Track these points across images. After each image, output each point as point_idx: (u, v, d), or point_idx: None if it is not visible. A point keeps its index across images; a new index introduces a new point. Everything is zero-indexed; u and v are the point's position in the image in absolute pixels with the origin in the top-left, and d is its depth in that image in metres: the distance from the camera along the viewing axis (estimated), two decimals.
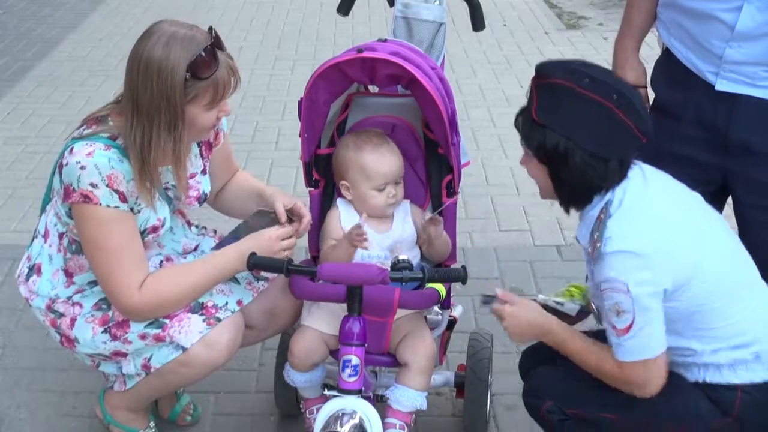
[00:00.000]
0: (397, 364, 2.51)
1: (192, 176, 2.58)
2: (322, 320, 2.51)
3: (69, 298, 2.49)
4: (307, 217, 2.53)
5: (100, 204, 2.30)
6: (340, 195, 2.62)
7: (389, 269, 2.24)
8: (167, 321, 2.41)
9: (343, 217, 2.55)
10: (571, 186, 2.16)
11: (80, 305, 2.48)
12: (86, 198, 2.29)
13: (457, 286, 2.70)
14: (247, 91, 5.70)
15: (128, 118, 2.31)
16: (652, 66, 2.73)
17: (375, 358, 2.48)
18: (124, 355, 2.48)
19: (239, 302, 2.53)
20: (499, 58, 6.48)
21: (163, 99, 2.27)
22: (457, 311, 2.85)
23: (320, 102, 2.52)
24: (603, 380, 2.21)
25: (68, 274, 2.50)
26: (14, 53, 6.70)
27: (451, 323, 2.76)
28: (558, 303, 2.45)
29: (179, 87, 2.26)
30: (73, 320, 2.48)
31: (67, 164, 2.30)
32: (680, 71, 2.51)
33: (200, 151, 2.64)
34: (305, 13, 7.60)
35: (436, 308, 2.62)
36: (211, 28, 2.37)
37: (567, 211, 2.27)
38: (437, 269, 2.51)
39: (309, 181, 2.67)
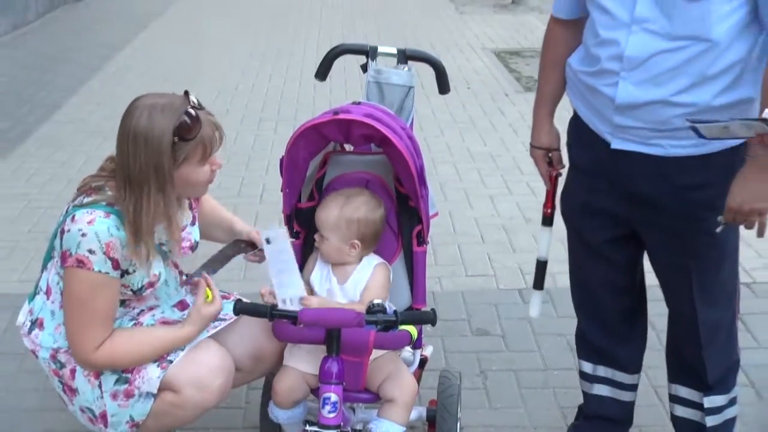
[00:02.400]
0: (374, 399, 2.50)
1: (183, 229, 2.57)
2: (303, 360, 2.49)
3: (66, 349, 2.47)
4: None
5: (93, 270, 2.30)
6: None
7: (365, 313, 2.24)
8: (130, 375, 2.43)
9: (315, 269, 2.59)
10: None
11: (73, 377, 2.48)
12: (80, 263, 2.29)
13: (427, 328, 2.70)
14: (233, 150, 5.72)
15: (121, 190, 2.31)
16: None
17: (353, 395, 2.45)
18: (106, 417, 2.47)
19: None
20: (464, 118, 6.52)
21: (152, 166, 2.27)
22: (428, 351, 2.84)
23: (300, 160, 2.53)
24: None
25: None
26: (18, 116, 6.69)
27: (423, 362, 2.75)
28: None
29: (167, 152, 2.27)
30: (73, 371, 2.46)
31: (68, 231, 2.29)
32: (586, 131, 2.54)
33: (189, 204, 2.63)
34: (286, 79, 7.65)
35: (408, 348, 2.61)
36: (186, 92, 2.37)
37: None
38: (409, 312, 2.51)
39: (291, 233, 2.67)
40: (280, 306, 2.36)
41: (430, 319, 2.29)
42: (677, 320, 2.70)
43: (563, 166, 2.78)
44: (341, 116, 2.43)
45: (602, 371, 2.84)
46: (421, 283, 2.62)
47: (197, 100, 2.37)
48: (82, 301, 2.35)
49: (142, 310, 2.54)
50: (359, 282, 2.52)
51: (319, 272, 2.57)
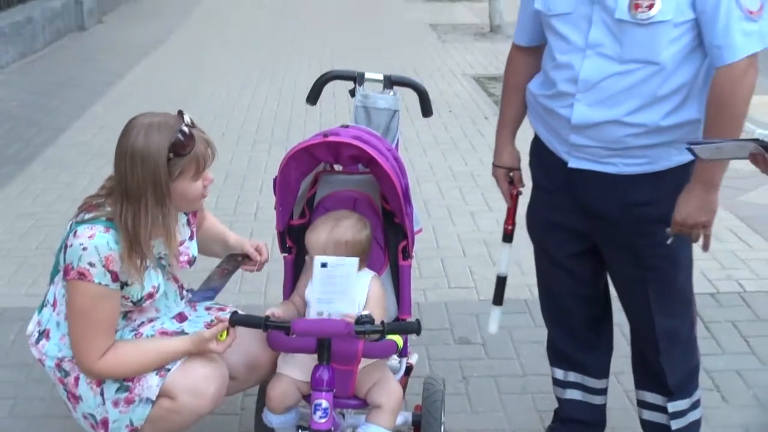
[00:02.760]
0: (363, 406, 2.49)
1: (181, 243, 2.56)
2: (295, 368, 2.48)
3: (73, 358, 2.46)
4: (265, 255, 2.80)
5: (93, 282, 2.30)
6: None
7: (354, 324, 2.24)
8: (130, 384, 2.42)
9: (311, 282, 2.56)
10: None
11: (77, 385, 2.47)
12: (82, 275, 2.29)
13: (413, 337, 2.70)
14: (229, 170, 5.71)
15: (119, 205, 2.31)
16: None
17: (342, 401, 2.45)
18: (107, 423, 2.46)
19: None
20: (446, 139, 6.54)
21: (150, 181, 2.28)
22: (413, 359, 2.84)
23: (292, 180, 2.53)
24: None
25: None
26: (26, 139, 6.66)
27: (409, 369, 2.75)
28: None
29: (163, 168, 2.27)
30: (77, 379, 2.45)
31: (71, 245, 2.30)
32: (546, 152, 2.56)
33: (187, 219, 2.63)
34: (279, 102, 7.65)
35: (395, 356, 2.61)
36: (180, 111, 2.38)
37: None
38: (395, 323, 2.51)
39: (283, 248, 2.67)
40: (314, 317, 2.36)
41: (415, 329, 2.29)
42: (637, 329, 2.71)
43: (523, 186, 2.79)
44: (331, 138, 2.43)
45: (573, 377, 2.84)
46: (406, 295, 2.62)
47: (190, 119, 2.37)
48: (85, 312, 2.35)
49: (143, 322, 2.52)
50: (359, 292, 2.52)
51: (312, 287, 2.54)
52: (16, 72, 9.03)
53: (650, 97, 2.30)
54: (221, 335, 2.43)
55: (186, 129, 2.32)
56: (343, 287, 2.34)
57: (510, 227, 2.83)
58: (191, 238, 2.65)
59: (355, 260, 2.36)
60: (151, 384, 2.41)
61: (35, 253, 4.53)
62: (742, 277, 4.23)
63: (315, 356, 2.29)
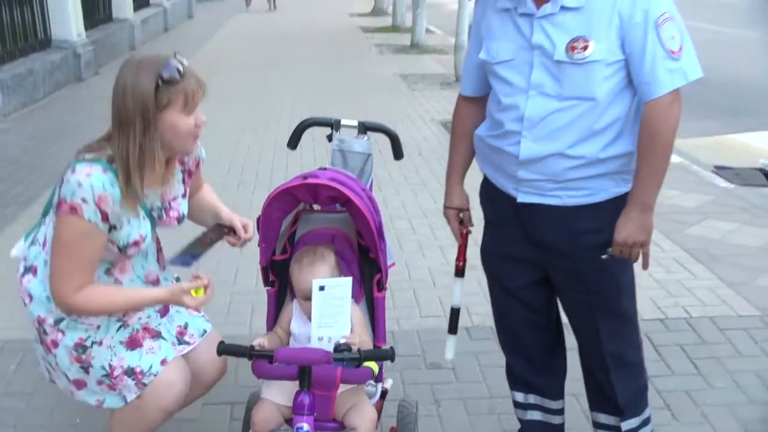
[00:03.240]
0: (340, 428, 2.46)
1: (173, 199, 2.51)
2: (278, 394, 2.46)
3: (56, 323, 2.41)
4: (251, 234, 2.65)
5: (83, 217, 2.22)
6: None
7: (332, 352, 2.22)
8: (113, 381, 2.40)
9: (294, 317, 2.55)
10: None
11: (63, 333, 2.42)
12: (73, 210, 2.22)
13: (387, 363, 2.68)
14: None
15: (114, 140, 2.26)
16: None
17: (323, 424, 2.42)
18: (84, 384, 2.44)
19: (163, 361, 2.48)
20: (417, 179, 6.56)
21: (138, 109, 2.21)
22: (388, 383, 2.82)
23: (274, 218, 2.53)
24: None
25: None
26: (27, 183, 6.61)
27: (384, 393, 2.73)
28: None
29: (150, 96, 2.21)
30: (54, 342, 2.42)
31: (67, 181, 2.23)
32: (495, 190, 2.59)
33: (183, 178, 2.57)
34: (262, 147, 7.65)
35: (371, 382, 2.59)
36: (174, 53, 2.33)
37: None
38: (370, 350, 2.48)
39: (266, 282, 2.66)
40: (315, 343, 2.34)
41: (390, 356, 2.27)
42: (587, 353, 2.71)
43: (473, 225, 2.81)
44: (310, 180, 2.43)
45: (533, 399, 2.84)
46: (381, 324, 2.61)
47: (185, 60, 2.31)
48: (70, 246, 2.27)
49: (122, 283, 2.48)
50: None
51: (298, 320, 2.53)
52: (18, 120, 8.98)
53: (588, 130, 2.33)
54: (197, 291, 2.38)
55: (175, 61, 2.26)
56: (342, 307, 2.33)
57: (461, 263, 2.86)
58: (184, 196, 2.57)
59: (350, 279, 2.35)
60: (131, 390, 2.41)
61: None
62: (687, 304, 4.25)
63: (297, 382, 2.27)
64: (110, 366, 2.42)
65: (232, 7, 24.30)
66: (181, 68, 2.25)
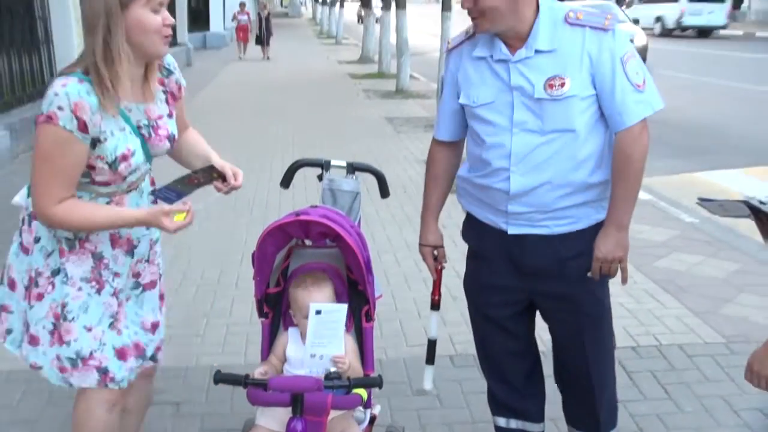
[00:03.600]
0: None
1: (159, 117, 2.42)
2: (272, 420, 2.44)
3: (50, 275, 2.35)
4: (240, 182, 2.49)
5: (59, 125, 2.14)
6: (291, 324, 2.59)
7: (323, 380, 2.21)
8: (81, 364, 2.37)
9: (290, 342, 2.53)
10: None
11: (53, 286, 2.36)
12: (49, 118, 2.15)
13: (376, 390, 2.66)
14: (215, 244, 5.67)
15: (85, 43, 2.20)
16: None
17: None
18: (38, 343, 2.39)
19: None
20: (402, 216, 6.57)
21: (102, 7, 2.16)
22: (376, 410, 2.79)
23: (268, 253, 2.52)
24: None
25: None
26: None
27: (372, 419, 2.70)
28: (762, 203, 2.20)
29: None
30: (40, 295, 2.36)
31: (46, 96, 2.17)
32: (482, 226, 2.62)
33: (166, 98, 2.48)
34: (257, 186, 7.65)
35: (360, 408, 2.57)
36: None
37: None
38: (359, 378, 2.46)
39: (261, 313, 2.64)
40: (308, 359, 2.34)
41: (378, 383, 2.26)
42: (574, 375, 2.72)
43: (446, 261, 2.83)
44: (302, 217, 2.43)
45: (514, 423, 2.83)
46: (369, 353, 2.60)
47: None
48: (48, 157, 2.18)
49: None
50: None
51: (294, 345, 2.52)
52: (25, 162, 8.94)
53: (572, 159, 2.39)
54: (178, 216, 2.31)
55: None
56: (336, 330, 2.33)
57: (437, 297, 2.88)
58: (170, 116, 2.47)
59: (345, 306, 2.36)
60: (90, 380, 2.39)
61: None
62: (658, 332, 4.26)
63: (290, 409, 2.25)
64: (90, 353, 2.38)
65: (228, 56, 24.44)
66: None
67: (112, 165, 2.27)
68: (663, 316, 4.46)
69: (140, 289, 2.54)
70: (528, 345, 2.78)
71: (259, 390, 2.27)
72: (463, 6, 2.35)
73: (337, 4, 33.69)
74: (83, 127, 2.17)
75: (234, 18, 25.04)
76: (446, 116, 2.65)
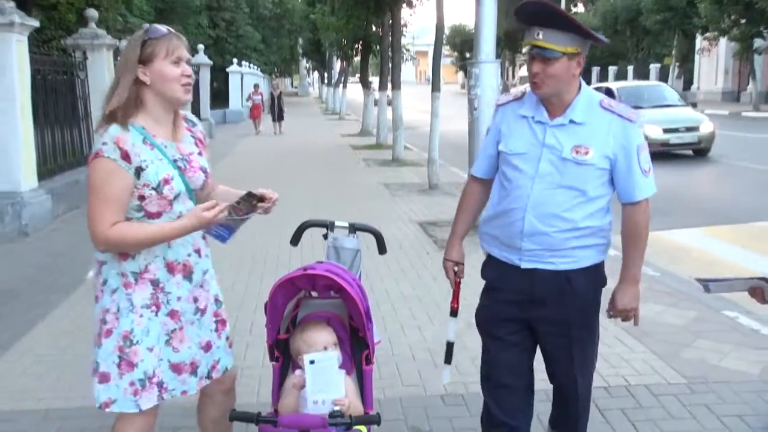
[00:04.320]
0: None
1: (190, 153, 2.46)
2: None
3: (116, 311, 2.36)
4: (276, 195, 2.50)
5: (104, 156, 2.21)
6: (298, 368, 2.56)
7: (328, 417, 2.18)
8: (148, 383, 2.37)
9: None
10: None
11: (118, 319, 2.37)
12: (96, 154, 2.23)
13: (374, 427, 2.62)
14: (232, 294, 5.64)
15: (113, 89, 2.32)
16: None
17: None
18: (108, 380, 2.38)
19: (184, 392, 2.45)
20: (398, 270, 6.55)
21: (127, 58, 2.29)
22: None
23: (279, 303, 2.51)
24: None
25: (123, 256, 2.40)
26: (71, 272, 6.54)
27: None
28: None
29: (137, 47, 2.28)
30: (109, 331, 2.37)
31: (95, 143, 2.28)
32: (499, 263, 2.73)
33: (194, 141, 2.52)
34: (269, 243, 7.65)
35: None
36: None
37: None
38: (360, 416, 2.43)
39: (272, 357, 2.62)
40: (311, 405, 2.30)
41: (376, 420, 2.24)
42: (564, 391, 2.82)
43: (462, 276, 2.93)
44: (309, 272, 2.44)
45: None
46: (369, 393, 2.57)
47: (172, 29, 2.36)
48: (98, 187, 2.25)
49: (170, 248, 2.41)
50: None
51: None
52: (65, 221, 8.97)
53: (578, 211, 2.56)
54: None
55: (162, 26, 2.34)
56: (332, 375, 2.31)
57: (455, 305, 2.98)
58: (200, 154, 2.51)
59: (337, 353, 2.35)
60: (152, 397, 2.38)
61: (72, 363, 4.36)
62: (626, 373, 4.21)
63: None
64: (153, 371, 2.37)
65: (245, 130, 24.70)
66: (165, 30, 2.33)
67: (158, 188, 2.31)
68: (631, 359, 4.42)
69: (199, 313, 2.54)
70: (527, 363, 2.82)
71: (270, 427, 2.24)
72: (530, 70, 2.51)
73: (341, 86, 34.23)
74: (125, 155, 2.24)
75: (249, 98, 25.29)
76: (485, 158, 2.80)
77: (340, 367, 2.53)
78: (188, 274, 2.47)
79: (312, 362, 2.28)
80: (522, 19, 2.50)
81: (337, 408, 2.25)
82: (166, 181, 2.32)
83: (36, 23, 8.51)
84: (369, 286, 5.78)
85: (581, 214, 2.56)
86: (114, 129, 2.26)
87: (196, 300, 2.52)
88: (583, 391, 2.78)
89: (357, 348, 2.63)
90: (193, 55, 2.48)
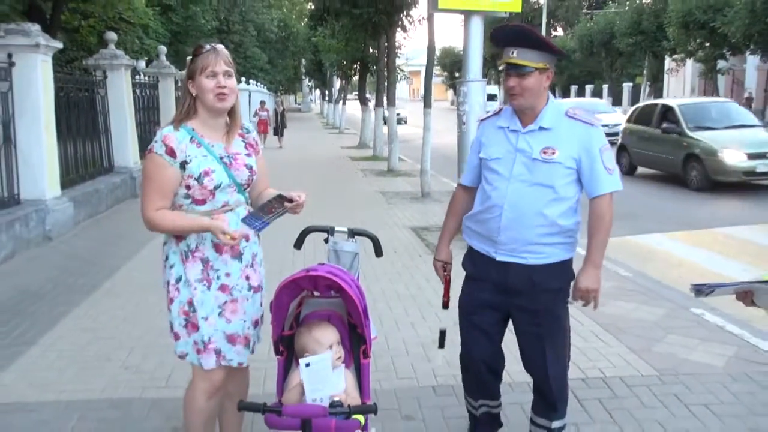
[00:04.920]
0: None
1: (237, 153, 2.59)
2: None
3: (174, 283, 2.55)
4: (304, 198, 2.58)
5: (154, 151, 2.46)
6: None
7: (328, 407, 2.18)
8: (204, 348, 2.56)
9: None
10: None
11: (178, 291, 2.56)
12: (149, 150, 2.48)
13: (372, 416, 2.61)
14: None
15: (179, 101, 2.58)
16: None
17: None
18: (178, 338, 2.60)
19: (240, 363, 2.60)
20: (393, 271, 6.55)
21: (185, 76, 2.53)
22: None
23: (283, 302, 2.51)
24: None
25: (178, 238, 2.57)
26: (90, 275, 6.52)
27: None
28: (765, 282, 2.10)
29: (189, 65, 2.50)
30: (171, 300, 2.58)
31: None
32: (478, 255, 2.84)
33: (245, 145, 2.65)
34: (274, 247, 7.62)
35: (359, 431, 2.52)
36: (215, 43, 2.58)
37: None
38: (358, 405, 2.42)
39: (277, 352, 2.61)
40: (311, 402, 2.30)
41: (373, 410, 2.23)
42: (535, 372, 2.88)
43: (450, 275, 3.02)
44: (311, 273, 2.44)
45: (481, 401, 3.01)
46: (366, 385, 2.56)
47: (218, 45, 2.52)
48: (149, 176, 2.47)
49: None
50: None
51: None
52: (86, 227, 8.94)
53: (548, 207, 2.65)
54: (228, 235, 2.47)
55: (210, 45, 2.50)
56: (327, 375, 2.30)
57: (446, 299, 3.08)
58: (249, 155, 2.64)
59: (330, 354, 2.34)
60: (211, 361, 2.56)
61: (92, 358, 4.35)
62: (603, 366, 4.21)
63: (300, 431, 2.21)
64: (209, 339, 2.53)
65: None
66: (208, 47, 2.49)
67: (199, 179, 2.48)
68: (607, 353, 4.42)
69: (252, 290, 2.69)
70: (499, 345, 2.92)
71: (274, 416, 2.23)
72: (507, 85, 2.66)
73: (341, 102, 34.26)
74: (170, 151, 2.45)
75: (256, 114, 25.29)
76: (470, 169, 2.93)
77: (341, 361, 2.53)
78: (237, 255, 2.62)
79: (308, 365, 2.28)
80: (498, 40, 2.70)
81: (336, 398, 2.24)
82: (206, 174, 2.48)
83: (60, 45, 8.50)
84: (366, 286, 5.77)
85: (552, 211, 2.65)
86: (165, 130, 2.47)
87: (248, 278, 2.67)
88: (556, 378, 2.81)
89: (355, 343, 2.62)
90: None
